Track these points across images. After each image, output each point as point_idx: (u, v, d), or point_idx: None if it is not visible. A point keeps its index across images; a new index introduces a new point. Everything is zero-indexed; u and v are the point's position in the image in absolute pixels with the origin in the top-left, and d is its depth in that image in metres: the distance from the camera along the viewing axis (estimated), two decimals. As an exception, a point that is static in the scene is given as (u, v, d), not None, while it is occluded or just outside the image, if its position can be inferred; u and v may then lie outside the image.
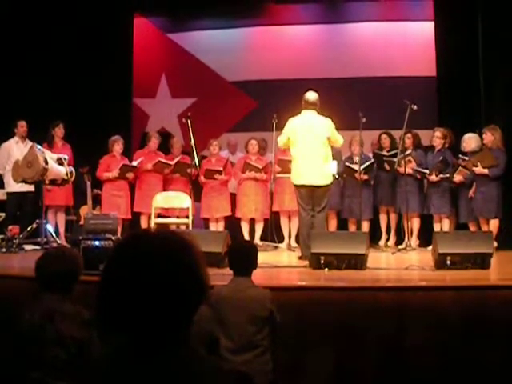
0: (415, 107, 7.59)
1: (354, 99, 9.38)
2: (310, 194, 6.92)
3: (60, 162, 7.86)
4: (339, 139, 7.11)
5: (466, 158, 7.89)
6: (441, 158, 8.10)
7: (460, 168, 7.92)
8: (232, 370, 1.50)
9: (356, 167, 8.31)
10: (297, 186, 7.01)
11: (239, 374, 1.50)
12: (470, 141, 7.96)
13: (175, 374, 1.40)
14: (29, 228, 7.79)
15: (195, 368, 1.42)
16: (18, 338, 3.06)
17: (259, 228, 8.76)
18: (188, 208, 8.23)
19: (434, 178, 8.12)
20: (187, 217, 8.26)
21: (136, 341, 1.42)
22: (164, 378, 1.39)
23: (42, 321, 3.04)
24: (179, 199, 8.42)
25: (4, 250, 7.56)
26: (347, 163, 8.46)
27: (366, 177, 8.40)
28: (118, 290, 1.41)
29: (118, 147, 8.67)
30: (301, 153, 6.94)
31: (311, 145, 6.88)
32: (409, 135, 8.24)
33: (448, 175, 8.04)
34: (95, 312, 1.45)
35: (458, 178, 7.97)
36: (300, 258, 6.94)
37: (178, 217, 8.64)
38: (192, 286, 1.44)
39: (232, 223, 8.79)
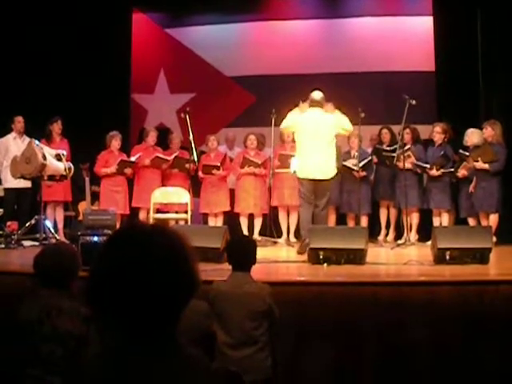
0: (414, 102, 7.58)
1: (352, 94, 9.35)
2: (313, 187, 7.08)
3: (58, 157, 7.85)
4: (347, 126, 7.26)
5: (467, 153, 7.89)
6: (441, 152, 8.10)
7: (464, 162, 7.92)
8: (221, 368, 1.49)
9: (353, 162, 8.31)
10: (301, 180, 7.17)
11: (229, 372, 1.49)
12: (472, 135, 7.94)
13: (162, 371, 1.38)
14: (27, 224, 7.79)
15: (183, 365, 1.41)
16: (15, 334, 3.05)
17: (258, 223, 8.75)
18: (187, 203, 8.23)
19: (435, 172, 8.12)
20: (186, 212, 8.26)
21: (124, 337, 1.41)
22: (151, 375, 1.37)
23: (40, 317, 3.04)
24: (178, 195, 8.41)
25: (3, 246, 7.54)
26: (344, 162, 8.45)
27: (364, 173, 8.40)
28: (106, 283, 1.41)
29: (116, 143, 8.66)
30: (306, 148, 7.12)
31: (316, 140, 7.05)
32: (407, 130, 8.24)
33: (452, 169, 8.04)
34: (87, 304, 1.45)
35: (461, 172, 7.97)
36: (298, 252, 6.98)
37: (176, 212, 8.64)
38: (181, 281, 1.43)
39: (231, 218, 8.79)
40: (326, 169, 7.08)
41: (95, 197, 8.79)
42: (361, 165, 8.21)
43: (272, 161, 8.39)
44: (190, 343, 1.50)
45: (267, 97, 9.60)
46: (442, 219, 8.18)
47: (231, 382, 1.47)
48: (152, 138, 8.91)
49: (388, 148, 8.46)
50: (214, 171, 8.67)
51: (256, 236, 8.49)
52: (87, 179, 8.51)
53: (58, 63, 9.57)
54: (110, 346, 1.43)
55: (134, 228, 1.51)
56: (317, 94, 7.22)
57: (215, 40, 10.48)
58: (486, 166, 7.64)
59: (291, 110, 7.33)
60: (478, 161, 7.68)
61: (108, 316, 1.41)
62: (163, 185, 8.75)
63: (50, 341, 3.00)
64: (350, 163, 8.43)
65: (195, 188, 8.66)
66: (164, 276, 1.40)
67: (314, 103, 7.19)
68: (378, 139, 8.88)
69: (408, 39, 9.99)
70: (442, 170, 8.10)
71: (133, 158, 8.63)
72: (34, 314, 3.04)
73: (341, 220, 8.72)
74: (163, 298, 1.40)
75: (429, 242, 6.74)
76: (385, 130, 8.74)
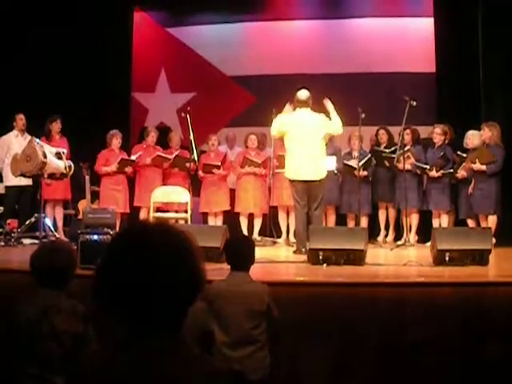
0: (414, 103, 7.59)
1: (353, 95, 9.35)
2: (305, 188, 7.03)
3: (59, 155, 7.84)
4: (337, 125, 7.14)
5: (464, 154, 7.89)
6: (441, 153, 8.10)
7: (464, 164, 7.93)
8: (224, 367, 1.50)
9: (354, 163, 8.31)
10: (292, 181, 7.12)
11: (232, 371, 1.51)
12: (473, 137, 7.92)
13: (168, 370, 1.39)
14: (27, 222, 7.78)
15: (187, 362, 1.41)
16: (14, 333, 3.05)
17: (258, 223, 8.75)
18: (187, 203, 8.24)
19: (434, 173, 8.11)
20: (186, 211, 8.26)
21: (130, 336, 1.42)
22: (157, 374, 1.38)
23: (38, 315, 3.02)
24: (178, 194, 8.42)
25: (2, 243, 7.55)
26: (345, 161, 8.47)
27: (365, 173, 8.40)
28: (111, 281, 1.41)
29: (116, 141, 8.66)
30: (296, 150, 7.06)
31: (306, 142, 7.00)
32: (407, 131, 8.24)
33: (451, 170, 8.04)
34: (93, 303, 1.46)
35: (461, 173, 7.96)
36: (295, 252, 6.98)
37: (176, 211, 8.64)
38: (186, 279, 1.44)
39: (231, 218, 8.79)
40: (316, 169, 7.01)
41: (95, 195, 8.78)
42: (361, 163, 8.20)
43: (272, 161, 8.40)
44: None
45: (268, 97, 9.57)
46: (441, 220, 8.18)
47: (234, 381, 1.48)
48: (152, 138, 8.93)
49: (386, 150, 8.46)
50: (215, 170, 8.67)
51: (256, 236, 8.50)
52: (87, 178, 8.50)
53: (59, 62, 9.56)
54: (114, 343, 1.44)
55: (139, 226, 1.52)
56: (303, 94, 7.12)
57: (216, 39, 10.48)
58: (484, 167, 7.63)
59: (278, 113, 7.30)
60: (475, 162, 7.68)
61: (114, 313, 1.42)
62: (164, 184, 8.76)
63: (48, 339, 2.99)
64: (351, 163, 8.43)
65: (195, 187, 8.66)
66: (169, 274, 1.41)
67: (301, 103, 7.10)
68: (375, 140, 8.88)
69: (409, 40, 9.99)
70: (442, 171, 8.10)
71: (133, 157, 8.64)
72: (32, 313, 3.03)
73: (341, 220, 8.72)
74: (168, 296, 1.41)
75: (428, 243, 6.75)
76: (382, 131, 8.74)
